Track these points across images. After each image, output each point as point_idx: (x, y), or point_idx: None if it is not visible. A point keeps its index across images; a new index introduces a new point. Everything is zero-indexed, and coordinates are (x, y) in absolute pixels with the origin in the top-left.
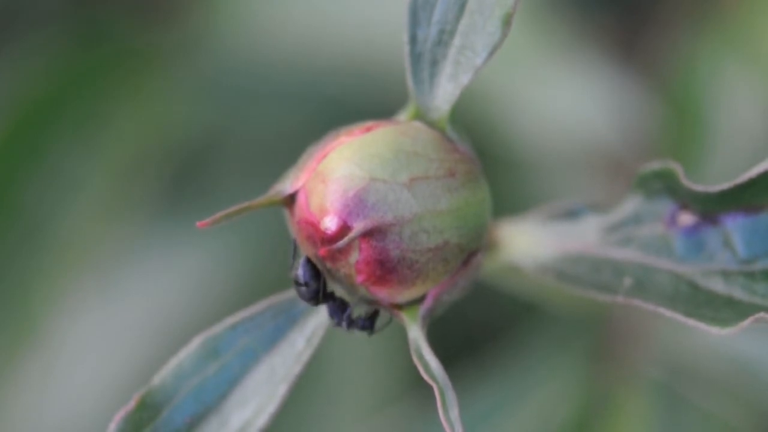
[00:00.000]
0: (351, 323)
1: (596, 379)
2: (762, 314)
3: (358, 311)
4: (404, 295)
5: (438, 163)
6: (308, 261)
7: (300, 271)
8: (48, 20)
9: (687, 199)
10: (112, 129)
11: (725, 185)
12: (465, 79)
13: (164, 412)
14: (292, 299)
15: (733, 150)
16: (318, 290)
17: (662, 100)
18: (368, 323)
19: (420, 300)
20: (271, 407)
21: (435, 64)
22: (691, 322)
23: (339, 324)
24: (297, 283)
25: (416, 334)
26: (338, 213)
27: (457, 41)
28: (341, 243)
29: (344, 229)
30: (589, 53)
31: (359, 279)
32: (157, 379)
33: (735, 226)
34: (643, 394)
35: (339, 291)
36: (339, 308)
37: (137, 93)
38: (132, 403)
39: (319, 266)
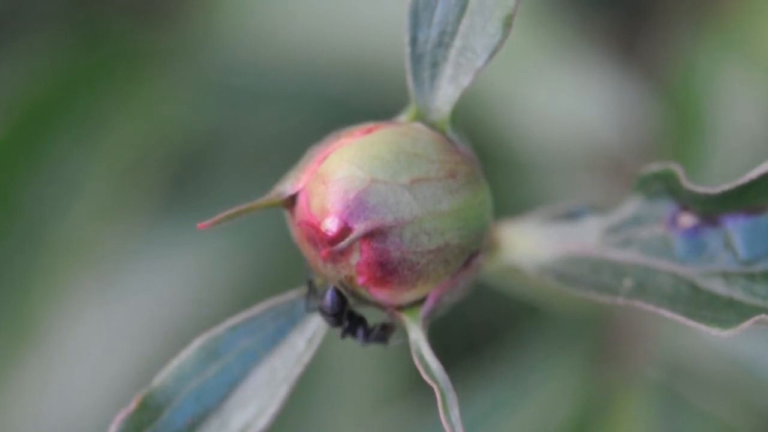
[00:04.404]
0: (367, 337)
1: (596, 379)
2: (762, 316)
3: (374, 324)
4: (405, 297)
5: (439, 164)
6: (336, 291)
7: (328, 303)
8: (48, 20)
9: (687, 201)
10: (113, 129)
11: (726, 186)
12: (466, 80)
13: (165, 414)
14: (292, 301)
15: (733, 150)
16: (344, 317)
17: (662, 100)
18: (382, 335)
19: (421, 301)
20: (271, 408)
21: (436, 65)
22: (692, 323)
23: (362, 340)
24: (324, 313)
25: (417, 335)
26: (339, 214)
27: (457, 43)
28: (342, 245)
29: (345, 230)
30: (589, 53)
31: (360, 280)
32: (157, 381)
33: (736, 227)
34: (643, 394)
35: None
36: (357, 325)
37: (137, 93)
38: (132, 405)
39: (340, 288)
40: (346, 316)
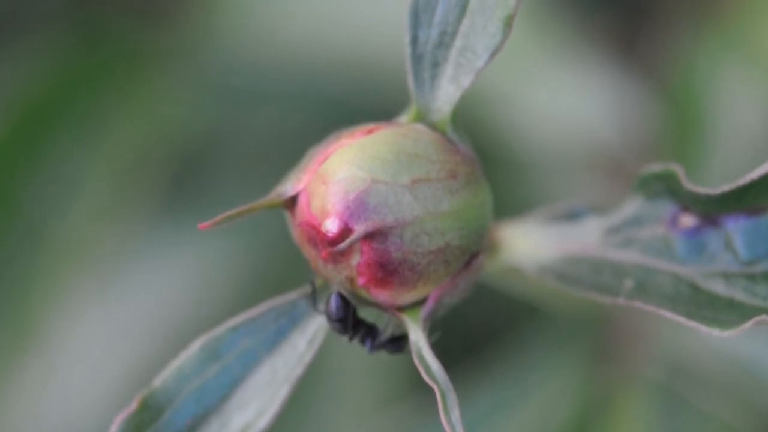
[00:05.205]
0: (379, 347)
1: (596, 379)
2: (763, 316)
3: (386, 334)
4: (405, 298)
5: (439, 164)
6: (340, 296)
7: (333, 309)
8: (48, 20)
9: (688, 201)
10: (113, 129)
11: (726, 187)
12: (466, 81)
13: (165, 414)
14: (293, 301)
15: (733, 150)
16: (351, 323)
17: (662, 100)
18: (396, 346)
19: (421, 302)
20: (272, 409)
21: (436, 65)
22: (692, 323)
23: (370, 349)
24: (329, 318)
25: (417, 336)
26: (339, 215)
27: (458, 43)
28: (342, 245)
29: (345, 231)
30: (590, 53)
31: (360, 281)
32: (158, 381)
33: (736, 227)
34: (643, 394)
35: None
36: (368, 334)
37: (137, 93)
38: (133, 405)
39: (347, 294)
40: (351, 321)
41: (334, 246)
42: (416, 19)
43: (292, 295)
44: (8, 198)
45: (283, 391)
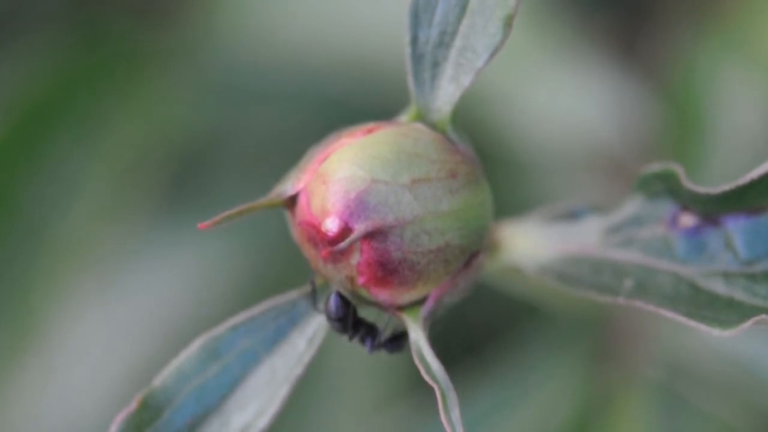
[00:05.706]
0: (379, 346)
1: (596, 379)
2: (763, 316)
3: (386, 333)
4: (405, 297)
5: (439, 164)
6: (339, 296)
7: (332, 307)
8: (48, 20)
9: (688, 201)
10: (113, 129)
11: (726, 186)
12: (466, 80)
13: (165, 414)
14: (293, 300)
15: (733, 150)
16: (351, 322)
17: (662, 100)
18: (396, 345)
19: (421, 301)
20: (272, 408)
21: (436, 65)
22: (692, 323)
23: (369, 348)
24: (329, 318)
25: (417, 335)
26: (339, 214)
27: (458, 43)
28: (343, 245)
29: (345, 230)
30: (590, 53)
31: (360, 281)
32: (158, 381)
33: (736, 227)
34: (643, 394)
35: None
36: (368, 333)
37: (137, 93)
38: (133, 404)
39: (347, 294)
40: (351, 321)
41: (334, 245)
42: (416, 19)
43: (292, 295)
44: (8, 198)
45: (282, 391)
